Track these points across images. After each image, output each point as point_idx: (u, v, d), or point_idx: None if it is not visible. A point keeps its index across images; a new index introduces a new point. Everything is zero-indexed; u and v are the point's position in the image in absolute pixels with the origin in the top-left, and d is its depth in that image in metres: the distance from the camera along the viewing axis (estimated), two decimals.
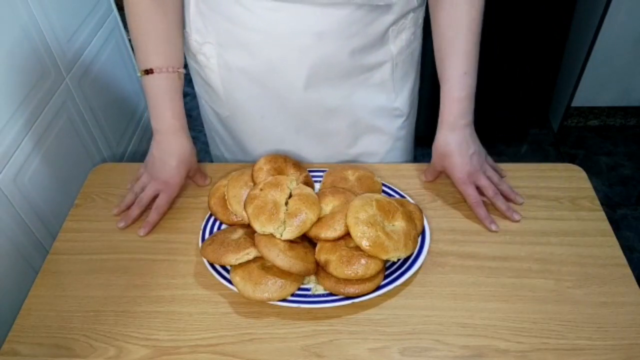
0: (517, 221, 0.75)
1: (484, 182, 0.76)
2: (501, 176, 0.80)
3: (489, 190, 0.76)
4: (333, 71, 0.76)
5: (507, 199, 0.77)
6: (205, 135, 1.02)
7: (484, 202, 0.76)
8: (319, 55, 0.74)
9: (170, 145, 0.78)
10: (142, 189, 0.79)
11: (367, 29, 0.73)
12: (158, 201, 0.78)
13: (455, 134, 0.76)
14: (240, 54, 0.77)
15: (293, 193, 0.70)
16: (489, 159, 0.81)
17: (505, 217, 0.76)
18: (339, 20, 0.70)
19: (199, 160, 0.85)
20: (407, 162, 0.97)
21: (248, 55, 0.76)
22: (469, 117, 0.76)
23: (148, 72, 0.75)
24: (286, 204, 0.68)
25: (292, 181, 0.72)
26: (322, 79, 0.77)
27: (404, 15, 0.77)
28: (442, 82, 0.76)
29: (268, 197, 0.68)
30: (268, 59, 0.75)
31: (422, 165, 0.86)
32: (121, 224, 0.77)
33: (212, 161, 1.02)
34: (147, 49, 0.75)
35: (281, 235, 0.66)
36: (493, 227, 0.74)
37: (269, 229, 0.66)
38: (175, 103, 0.77)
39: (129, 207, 0.79)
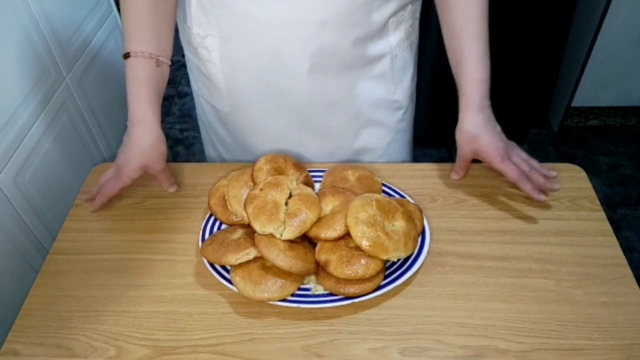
0: (557, 189, 0.76)
1: (517, 159, 0.76)
2: None
3: (524, 165, 0.75)
4: (335, 62, 0.77)
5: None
6: None
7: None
8: (322, 45, 0.74)
9: (133, 133, 0.76)
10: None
11: (368, 18, 0.74)
12: (107, 184, 0.78)
13: (482, 115, 0.76)
14: (242, 45, 0.77)
15: (293, 193, 0.70)
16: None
17: (545, 190, 0.75)
18: (340, 8, 0.71)
19: (197, 161, 0.85)
20: (407, 156, 0.97)
21: (251, 46, 0.76)
22: (488, 99, 0.77)
23: (126, 56, 0.75)
24: (286, 204, 0.68)
25: (292, 181, 0.72)
26: (324, 70, 0.77)
27: (403, 7, 0.78)
28: (461, 65, 0.76)
29: (268, 197, 0.68)
30: (271, 49, 0.75)
31: (423, 165, 0.86)
32: (90, 208, 0.80)
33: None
34: (129, 34, 0.75)
35: (281, 235, 0.66)
36: (542, 197, 0.75)
37: (269, 229, 0.66)
38: (144, 90, 0.75)
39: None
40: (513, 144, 0.78)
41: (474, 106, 0.76)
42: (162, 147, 0.78)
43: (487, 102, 0.76)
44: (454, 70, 0.78)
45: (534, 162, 0.78)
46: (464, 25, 0.74)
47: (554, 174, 0.77)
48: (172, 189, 0.82)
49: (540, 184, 0.75)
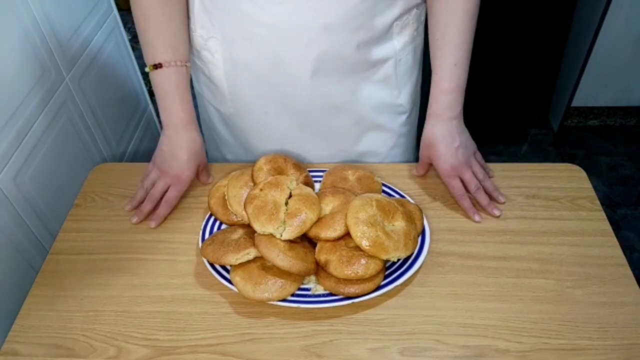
0: (497, 216, 0.76)
1: (467, 177, 0.77)
2: (489, 175, 0.81)
3: (471, 185, 0.77)
4: (338, 65, 0.77)
5: (489, 196, 0.78)
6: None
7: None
8: (325, 49, 0.74)
9: (181, 139, 0.78)
10: (153, 185, 0.80)
11: (372, 22, 0.74)
12: (168, 194, 0.79)
13: (441, 125, 0.77)
14: (245, 48, 0.77)
15: (293, 193, 0.70)
16: (478, 155, 0.82)
17: (486, 213, 0.77)
18: (344, 12, 0.71)
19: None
20: (409, 160, 0.97)
21: (253, 49, 0.76)
22: (457, 110, 0.77)
23: (157, 66, 0.76)
24: (286, 204, 0.68)
25: (292, 181, 0.72)
26: (327, 74, 0.77)
27: (407, 11, 0.78)
28: (433, 72, 0.77)
29: (268, 197, 0.68)
30: (274, 53, 0.75)
31: None
32: (134, 219, 0.78)
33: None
34: (156, 43, 0.76)
35: (281, 236, 0.66)
36: (476, 218, 0.76)
37: (269, 229, 0.66)
38: (184, 96, 0.78)
39: (140, 203, 0.80)
40: (474, 161, 0.79)
41: (434, 115, 0.77)
42: (204, 145, 0.83)
43: (452, 113, 0.76)
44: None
45: (488, 183, 0.79)
46: (441, 33, 0.74)
47: (502, 199, 0.78)
48: (209, 180, 0.85)
49: (483, 206, 0.77)
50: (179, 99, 0.78)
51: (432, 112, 0.77)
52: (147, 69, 0.77)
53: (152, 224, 0.77)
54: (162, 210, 0.78)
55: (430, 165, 0.82)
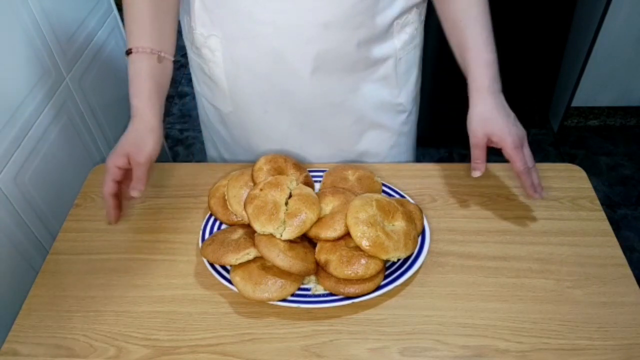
0: (544, 197, 0.74)
1: (527, 151, 0.73)
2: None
3: (530, 160, 0.72)
4: (339, 63, 0.77)
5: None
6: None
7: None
8: (325, 47, 0.74)
9: (128, 127, 0.73)
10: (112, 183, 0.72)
11: (372, 20, 0.74)
12: (134, 163, 0.70)
13: (494, 98, 0.72)
14: (245, 45, 0.77)
15: (293, 193, 0.70)
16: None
17: (534, 193, 0.73)
18: (344, 10, 0.71)
19: (197, 161, 0.85)
20: (409, 160, 0.97)
21: (254, 47, 0.76)
22: (500, 84, 0.73)
23: (128, 52, 0.74)
24: (286, 204, 0.68)
25: (292, 181, 0.72)
26: (327, 72, 0.77)
27: (408, 10, 0.78)
28: (467, 52, 0.74)
29: (268, 197, 0.68)
30: (274, 50, 0.75)
31: (422, 165, 0.86)
32: (110, 220, 0.74)
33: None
34: (131, 29, 0.75)
35: (281, 236, 0.66)
36: (537, 196, 0.73)
37: (269, 229, 0.66)
38: (144, 85, 0.73)
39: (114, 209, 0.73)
40: (525, 135, 0.74)
41: (483, 89, 0.72)
42: (150, 140, 0.72)
43: (498, 86, 0.73)
44: (460, 60, 0.76)
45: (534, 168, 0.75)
46: (464, 15, 0.74)
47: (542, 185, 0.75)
48: (134, 193, 0.70)
49: (536, 183, 0.73)
50: (136, 87, 0.73)
51: (480, 87, 0.73)
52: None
53: (134, 193, 0.70)
54: (105, 207, 0.72)
55: (487, 153, 0.74)
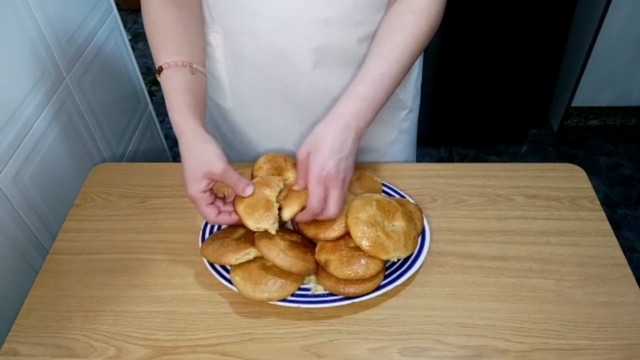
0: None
1: (335, 195, 0.64)
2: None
3: (332, 211, 0.65)
4: (339, 59, 0.77)
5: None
6: None
7: None
8: (326, 42, 0.74)
9: (181, 149, 0.69)
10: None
11: (373, 17, 0.74)
12: (217, 176, 0.66)
13: (343, 132, 0.65)
14: (246, 41, 0.77)
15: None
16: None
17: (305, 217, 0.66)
18: (345, 7, 0.71)
19: None
20: (409, 156, 0.97)
21: (254, 43, 0.76)
22: (360, 124, 0.66)
23: (159, 70, 0.74)
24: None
25: (280, 181, 0.71)
26: (328, 67, 0.77)
27: None
28: (354, 77, 0.70)
29: (259, 195, 0.67)
30: (274, 46, 0.75)
31: (422, 165, 0.86)
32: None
33: None
34: (159, 46, 0.74)
35: (277, 230, 0.65)
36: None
37: (265, 224, 0.65)
38: (181, 99, 0.71)
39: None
40: (345, 181, 0.66)
41: (334, 115, 0.67)
42: (213, 149, 0.68)
43: (354, 123, 0.66)
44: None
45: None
46: (379, 40, 0.70)
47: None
48: (249, 190, 0.67)
49: (314, 217, 0.65)
50: (174, 103, 0.71)
51: (333, 111, 0.67)
52: (158, 78, 0.74)
53: (249, 190, 0.67)
54: (228, 179, 0.67)
55: (308, 166, 0.65)
